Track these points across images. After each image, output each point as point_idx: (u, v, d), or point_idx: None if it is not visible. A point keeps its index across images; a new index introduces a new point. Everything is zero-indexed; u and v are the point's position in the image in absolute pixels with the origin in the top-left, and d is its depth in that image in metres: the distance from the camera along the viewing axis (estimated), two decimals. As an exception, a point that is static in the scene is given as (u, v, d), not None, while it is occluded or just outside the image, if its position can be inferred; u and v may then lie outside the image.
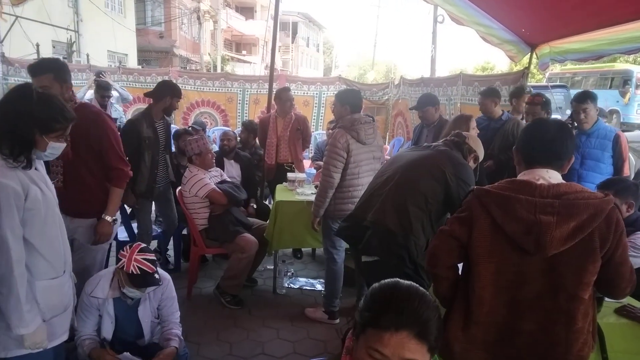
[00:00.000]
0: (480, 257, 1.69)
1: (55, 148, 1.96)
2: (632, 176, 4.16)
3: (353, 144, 3.35)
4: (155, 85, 4.05)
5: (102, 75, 6.53)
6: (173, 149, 5.19)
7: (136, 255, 2.40)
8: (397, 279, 1.17)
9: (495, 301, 1.68)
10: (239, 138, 5.40)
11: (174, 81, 9.42)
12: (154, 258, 2.47)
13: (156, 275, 2.42)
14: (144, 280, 2.39)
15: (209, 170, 4.07)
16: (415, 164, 2.65)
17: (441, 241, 1.79)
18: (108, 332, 2.50)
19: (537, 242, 1.57)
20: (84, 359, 2.43)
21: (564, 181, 1.68)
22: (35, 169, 1.92)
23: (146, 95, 4.02)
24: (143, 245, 2.52)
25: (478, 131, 3.53)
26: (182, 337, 2.66)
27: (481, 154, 2.82)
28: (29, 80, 7.79)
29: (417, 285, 1.15)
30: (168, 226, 4.35)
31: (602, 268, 1.61)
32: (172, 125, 6.75)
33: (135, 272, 2.35)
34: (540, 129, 1.78)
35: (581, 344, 1.64)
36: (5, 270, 1.77)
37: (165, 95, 3.88)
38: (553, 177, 1.68)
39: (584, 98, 3.76)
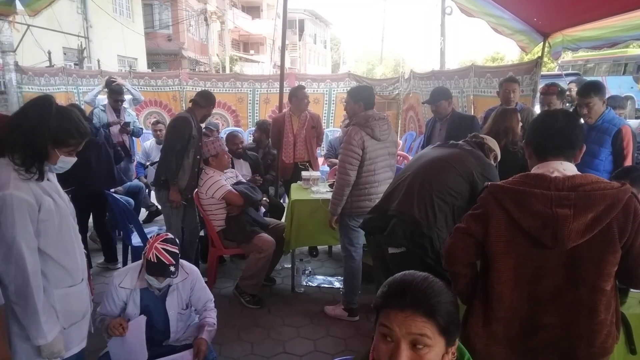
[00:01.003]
0: (497, 254, 1.68)
1: (66, 162, 1.97)
2: None
3: (368, 141, 3.35)
4: (197, 91, 4.35)
5: (112, 79, 6.57)
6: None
7: (158, 243, 2.41)
8: (414, 271, 1.18)
9: (515, 296, 1.68)
10: (252, 137, 5.44)
11: (184, 84, 9.56)
12: (176, 251, 2.46)
13: (171, 268, 2.41)
14: (159, 269, 2.40)
15: (225, 171, 4.10)
16: (442, 160, 2.66)
17: (457, 239, 1.78)
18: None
19: (555, 235, 1.56)
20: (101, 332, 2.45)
21: (578, 172, 1.67)
22: (47, 179, 1.94)
23: (192, 100, 4.17)
24: (170, 236, 2.52)
25: (521, 123, 3.52)
26: (215, 324, 2.68)
27: (499, 153, 2.87)
28: (43, 88, 7.86)
29: (430, 275, 1.16)
30: (191, 233, 4.32)
31: (622, 258, 1.60)
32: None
33: (152, 260, 2.37)
34: (548, 119, 1.79)
35: (605, 335, 1.64)
36: (22, 283, 1.79)
37: (211, 104, 4.16)
38: (568, 169, 1.67)
39: (587, 92, 3.49)
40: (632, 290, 2.06)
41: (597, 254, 1.58)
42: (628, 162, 3.36)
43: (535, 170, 1.72)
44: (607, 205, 1.54)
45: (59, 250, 1.94)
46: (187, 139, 3.93)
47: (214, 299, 2.78)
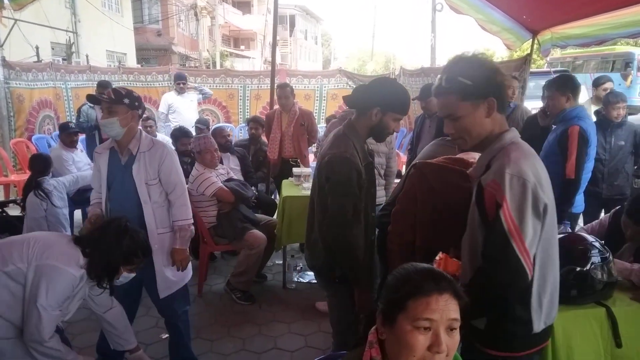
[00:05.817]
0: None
1: (126, 277, 2.28)
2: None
3: None
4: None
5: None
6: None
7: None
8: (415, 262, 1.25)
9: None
10: (248, 132, 5.53)
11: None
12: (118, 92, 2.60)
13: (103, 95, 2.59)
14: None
15: (216, 168, 4.08)
16: None
17: (404, 222, 2.07)
18: (103, 182, 2.68)
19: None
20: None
21: None
22: None
23: (347, 103, 2.26)
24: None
25: None
26: (186, 221, 2.70)
27: None
28: (31, 83, 7.72)
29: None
30: None
31: None
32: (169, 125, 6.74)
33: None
34: None
35: None
36: None
37: (373, 106, 2.15)
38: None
39: (550, 85, 3.34)
40: (619, 280, 2.08)
41: None
42: (570, 164, 3.11)
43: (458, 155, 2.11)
44: None
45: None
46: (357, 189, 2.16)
47: (191, 219, 2.75)
